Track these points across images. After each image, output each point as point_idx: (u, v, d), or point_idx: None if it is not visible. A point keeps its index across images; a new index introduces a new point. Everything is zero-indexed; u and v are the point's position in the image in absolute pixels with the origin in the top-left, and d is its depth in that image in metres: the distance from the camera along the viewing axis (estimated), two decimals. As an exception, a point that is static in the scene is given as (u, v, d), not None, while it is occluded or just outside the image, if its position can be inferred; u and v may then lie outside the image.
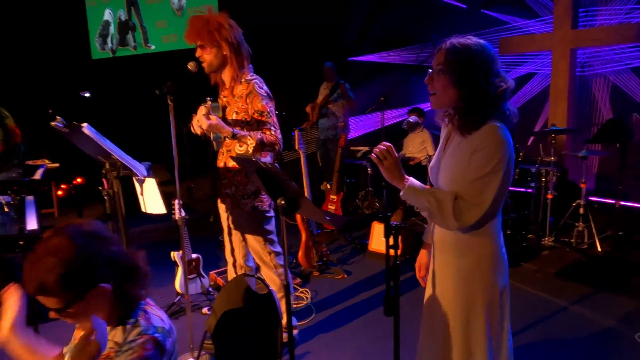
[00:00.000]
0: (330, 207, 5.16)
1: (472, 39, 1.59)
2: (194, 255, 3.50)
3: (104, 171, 2.19)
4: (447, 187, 1.64)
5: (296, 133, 4.07)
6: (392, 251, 1.70)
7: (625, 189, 4.64)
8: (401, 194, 1.66)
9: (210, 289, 3.58)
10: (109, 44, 8.46)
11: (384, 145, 1.63)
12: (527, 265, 4.10)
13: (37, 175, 4.52)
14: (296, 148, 4.06)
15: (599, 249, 4.24)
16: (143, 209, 2.34)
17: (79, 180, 6.50)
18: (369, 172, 5.52)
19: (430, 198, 1.59)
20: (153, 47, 8.09)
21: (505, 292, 1.71)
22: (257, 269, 2.84)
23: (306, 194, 4.06)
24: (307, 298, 3.62)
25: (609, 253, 4.23)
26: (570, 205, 4.56)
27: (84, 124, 1.89)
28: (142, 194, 2.26)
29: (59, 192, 6.60)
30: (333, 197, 5.14)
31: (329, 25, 7.38)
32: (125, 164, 1.99)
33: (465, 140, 1.59)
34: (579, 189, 4.52)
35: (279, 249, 2.79)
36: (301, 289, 3.74)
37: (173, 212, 3.43)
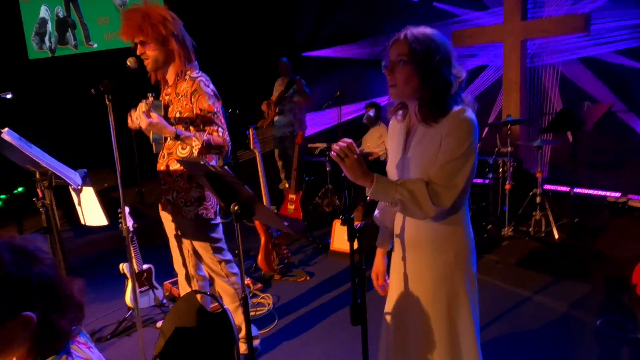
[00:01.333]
0: (289, 206, 5.01)
1: (429, 29, 1.55)
2: (145, 266, 3.27)
3: (34, 180, 1.96)
4: (417, 177, 1.56)
5: (250, 132, 3.89)
6: (357, 255, 1.58)
7: (576, 177, 4.74)
8: (368, 192, 1.54)
9: (165, 301, 3.36)
10: (47, 43, 7.95)
11: (344, 142, 1.51)
12: (488, 256, 4.10)
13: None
14: (251, 147, 3.88)
15: (557, 237, 4.30)
16: (82, 221, 2.11)
17: (20, 189, 6.06)
18: (328, 169, 5.41)
19: (401, 190, 1.51)
20: (95, 45, 7.66)
21: (475, 277, 1.70)
22: (211, 279, 2.65)
23: (263, 196, 3.89)
24: (268, 304, 3.46)
25: (566, 240, 4.30)
26: (526, 195, 4.61)
27: (4, 130, 1.66)
28: (79, 204, 2.03)
29: (-4, 203, 6.13)
30: (292, 196, 4.99)
31: (281, 19, 7.21)
32: (56, 172, 1.77)
33: (433, 129, 1.54)
34: (534, 178, 4.57)
35: (229, 256, 2.61)
36: (262, 295, 3.58)
37: (120, 221, 3.21)
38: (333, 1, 7.25)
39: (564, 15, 5.42)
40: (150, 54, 2.29)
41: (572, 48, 5.66)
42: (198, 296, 2.73)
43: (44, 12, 7.87)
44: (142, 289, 3.24)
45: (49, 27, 7.88)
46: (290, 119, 5.87)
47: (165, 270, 4.01)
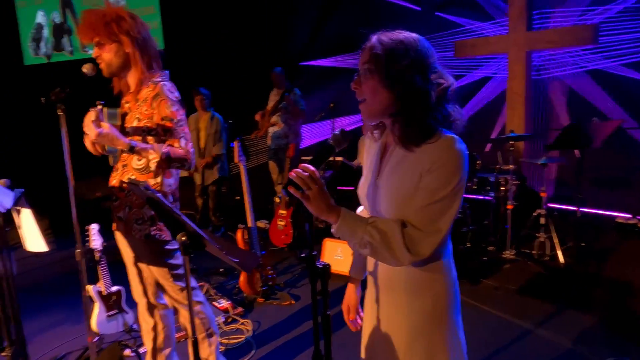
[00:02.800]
0: (279, 222, 4.77)
1: (402, 32, 1.30)
2: (114, 288, 3.03)
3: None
4: (390, 213, 1.32)
5: (236, 144, 3.67)
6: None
7: (583, 196, 4.46)
8: (333, 229, 1.30)
9: (135, 326, 3.12)
10: (43, 49, 7.83)
11: (304, 169, 1.26)
12: (487, 281, 3.82)
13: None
14: (235, 161, 3.66)
15: (562, 261, 4.02)
16: (24, 246, 1.88)
17: None
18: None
19: (371, 231, 1.25)
20: (91, 52, 7.47)
21: (460, 330, 1.43)
22: (175, 310, 2.40)
23: (247, 211, 3.65)
24: (247, 330, 3.20)
25: (572, 265, 4.02)
26: (530, 215, 4.34)
27: None
28: (20, 227, 1.80)
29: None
30: (282, 212, 4.75)
31: (277, 28, 7.02)
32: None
33: (412, 155, 1.28)
34: (538, 197, 4.31)
35: (193, 283, 2.35)
36: (242, 320, 3.32)
37: (87, 239, 2.98)
38: (331, 10, 7.06)
39: (571, 26, 5.18)
40: (104, 56, 2.07)
41: (580, 60, 5.42)
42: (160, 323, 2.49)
43: (40, 17, 7.75)
44: (111, 313, 3.00)
45: (45, 32, 7.76)
46: (285, 130, 5.65)
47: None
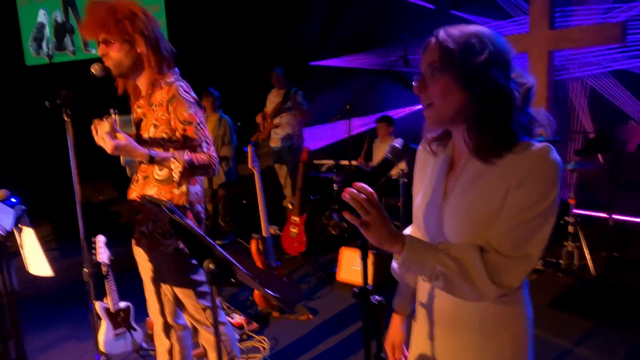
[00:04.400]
0: (292, 229, 4.56)
1: (471, 26, 1.11)
2: (122, 305, 2.82)
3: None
4: (463, 239, 1.11)
5: (249, 149, 3.46)
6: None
7: (614, 201, 4.25)
8: (396, 261, 1.09)
9: (144, 344, 2.91)
10: (45, 49, 7.62)
11: (361, 190, 1.04)
12: (516, 294, 3.61)
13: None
14: (249, 166, 3.45)
15: (593, 272, 3.80)
16: (26, 269, 1.67)
17: None
18: (336, 188, 4.95)
19: (445, 259, 1.05)
20: (94, 51, 7.27)
21: None
22: (194, 329, 2.19)
23: (262, 220, 3.45)
24: (264, 349, 3.00)
25: (604, 276, 3.80)
26: (556, 223, 4.11)
27: None
28: (22, 247, 1.60)
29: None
30: (295, 218, 4.54)
31: (287, 27, 6.81)
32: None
33: (493, 169, 1.08)
34: (566, 204, 4.09)
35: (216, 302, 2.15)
36: (257, 337, 3.11)
37: (94, 252, 2.77)
38: (342, 9, 6.85)
39: (597, 24, 4.96)
40: (113, 55, 1.86)
41: (604, 60, 5.20)
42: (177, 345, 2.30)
43: (42, 16, 7.55)
44: (118, 331, 2.79)
45: (47, 32, 7.56)
46: (287, 131, 5.44)
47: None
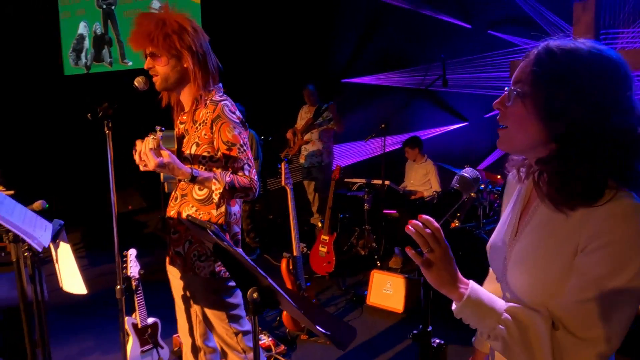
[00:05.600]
0: (321, 248, 4.47)
1: (584, 42, 0.94)
2: (150, 320, 2.77)
3: (-1, 230, 1.50)
4: (523, 292, 0.98)
5: (282, 166, 3.40)
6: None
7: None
8: (454, 307, 0.98)
9: (170, 363, 2.85)
10: (83, 59, 7.81)
11: (427, 223, 0.94)
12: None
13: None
14: (282, 184, 3.39)
15: None
16: (60, 284, 1.63)
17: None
18: (366, 207, 4.84)
19: (508, 323, 0.92)
20: (130, 63, 7.44)
21: None
22: (223, 353, 2.11)
23: (293, 238, 3.37)
24: (292, 374, 2.90)
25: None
26: None
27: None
28: (57, 262, 1.55)
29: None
30: (325, 237, 4.45)
31: (318, 43, 6.80)
32: (8, 227, 1.29)
33: (563, 219, 0.93)
34: None
35: (248, 326, 2.07)
36: (285, 361, 3.02)
37: (124, 266, 2.73)
38: (375, 26, 6.82)
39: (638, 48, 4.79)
40: (159, 69, 1.83)
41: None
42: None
43: (82, 28, 7.75)
44: (145, 348, 2.73)
45: (86, 43, 7.75)
46: (318, 147, 5.39)
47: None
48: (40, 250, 1.38)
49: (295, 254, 3.35)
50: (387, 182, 4.82)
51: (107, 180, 1.86)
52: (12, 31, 7.00)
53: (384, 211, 4.92)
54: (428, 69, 5.85)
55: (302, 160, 5.49)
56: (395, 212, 4.87)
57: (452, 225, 4.44)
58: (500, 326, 0.92)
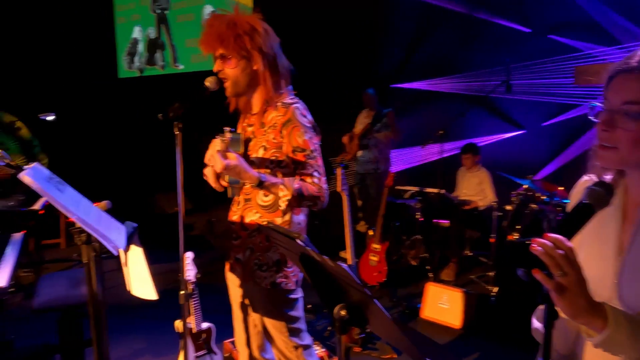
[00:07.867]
0: (372, 257, 4.35)
1: None
2: (204, 325, 2.73)
3: (71, 230, 1.47)
4: None
5: (338, 171, 3.31)
6: None
7: None
8: (598, 339, 0.85)
9: (223, 370, 2.79)
10: (137, 63, 8.02)
11: (556, 242, 0.83)
12: None
13: (38, 204, 3.87)
14: (338, 190, 3.30)
15: None
16: (128, 287, 1.59)
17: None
18: (418, 216, 4.68)
19: None
20: (182, 66, 7.58)
21: None
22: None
23: (348, 246, 3.27)
24: (347, 388, 2.78)
25: None
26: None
27: (26, 168, 1.17)
28: (126, 265, 1.51)
29: (68, 219, 5.97)
30: (376, 246, 4.33)
31: (368, 48, 6.70)
32: (86, 229, 1.25)
33: None
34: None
35: (308, 340, 1.98)
36: (339, 374, 2.90)
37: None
38: (428, 30, 6.65)
39: None
40: (229, 72, 1.77)
41: None
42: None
43: (137, 32, 7.97)
44: (200, 353, 2.69)
45: (140, 47, 7.95)
46: (375, 154, 5.28)
47: (228, 321, 3.48)
48: (116, 253, 1.34)
49: (350, 262, 3.25)
50: (442, 191, 4.65)
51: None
52: (71, 36, 7.27)
53: (434, 220, 4.75)
54: (479, 75, 5.65)
55: (357, 166, 5.39)
56: (447, 221, 4.69)
57: (510, 237, 4.23)
58: None
